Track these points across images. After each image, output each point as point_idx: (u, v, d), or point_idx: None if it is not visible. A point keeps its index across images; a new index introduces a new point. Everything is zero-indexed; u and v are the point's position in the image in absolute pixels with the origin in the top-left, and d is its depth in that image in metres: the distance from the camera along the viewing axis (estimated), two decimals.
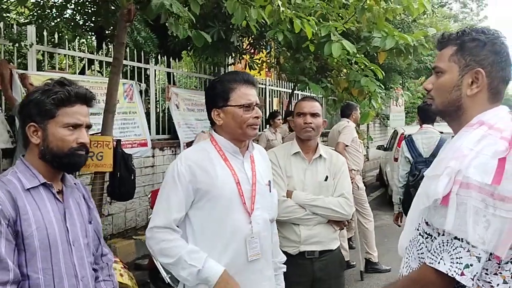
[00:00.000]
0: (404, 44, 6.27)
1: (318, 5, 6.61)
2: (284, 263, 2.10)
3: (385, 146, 10.61)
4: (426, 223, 1.33)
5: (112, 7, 5.75)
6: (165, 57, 6.86)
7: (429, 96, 1.44)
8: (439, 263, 1.22)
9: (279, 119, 7.47)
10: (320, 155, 2.50)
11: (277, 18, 4.15)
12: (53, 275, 1.46)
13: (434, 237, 1.28)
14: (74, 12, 6.51)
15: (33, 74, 4.52)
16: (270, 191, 1.98)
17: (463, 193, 1.19)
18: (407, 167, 4.24)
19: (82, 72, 6.25)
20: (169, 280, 3.98)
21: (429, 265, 1.25)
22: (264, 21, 5.24)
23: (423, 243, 1.34)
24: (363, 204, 5.43)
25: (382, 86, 7.65)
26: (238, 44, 6.81)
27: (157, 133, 6.76)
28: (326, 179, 2.45)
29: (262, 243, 1.85)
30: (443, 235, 1.24)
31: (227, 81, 1.88)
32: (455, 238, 1.20)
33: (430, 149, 4.12)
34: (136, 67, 6.20)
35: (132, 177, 4.36)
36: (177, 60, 7.28)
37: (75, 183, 1.66)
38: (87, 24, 6.66)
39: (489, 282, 1.22)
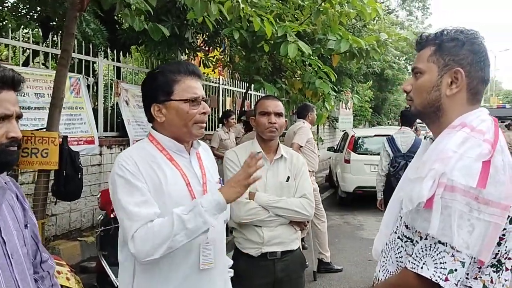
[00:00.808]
0: (357, 48, 6.39)
1: (274, 5, 6.60)
2: (246, 265, 2.02)
3: (335, 147, 10.79)
4: (406, 226, 1.29)
5: None
6: (114, 51, 6.58)
7: (408, 98, 1.41)
8: (422, 268, 1.19)
9: (233, 119, 7.39)
10: (281, 156, 2.45)
11: (236, 14, 4.06)
12: None
13: (416, 241, 1.25)
14: (17, 1, 6.12)
15: None
16: None
17: (448, 196, 1.16)
18: (388, 160, 5.02)
19: (25, 64, 5.86)
20: (118, 284, 3.81)
21: (411, 269, 1.21)
22: (220, 18, 5.15)
23: (402, 246, 1.31)
24: (317, 205, 5.45)
25: (336, 89, 7.77)
26: (192, 40, 6.67)
27: (105, 130, 6.46)
28: (287, 180, 2.40)
29: (216, 250, 1.69)
30: (426, 239, 1.20)
31: (170, 72, 1.65)
32: (439, 242, 1.17)
33: (407, 146, 4.93)
34: (84, 60, 5.88)
35: (79, 176, 4.14)
36: (127, 55, 7.00)
37: (5, 182, 1.41)
38: (31, 13, 6.28)
39: (470, 287, 1.21)
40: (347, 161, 8.85)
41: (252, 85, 8.39)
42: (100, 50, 6.19)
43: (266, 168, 2.40)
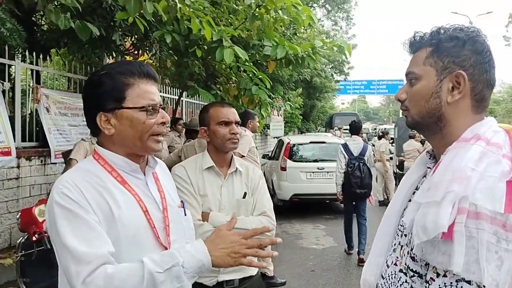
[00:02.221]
0: (293, 55, 6.35)
1: (207, 8, 6.39)
2: None
3: (269, 155, 10.74)
4: (412, 258, 1.10)
5: None
6: (33, 54, 5.98)
7: (403, 107, 1.21)
8: None
9: (180, 125, 7.20)
10: (236, 169, 2.21)
11: (173, 15, 3.78)
12: None
13: (431, 278, 1.04)
14: None
15: None
16: (185, 215, 1.54)
17: (472, 225, 0.97)
18: (344, 161, 6.20)
19: None
20: None
21: None
22: (152, 20, 4.84)
23: (406, 282, 1.11)
24: None
25: (272, 95, 7.69)
26: (120, 43, 6.25)
27: (23, 140, 5.84)
28: (244, 196, 2.17)
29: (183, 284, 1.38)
30: (445, 276, 1.00)
31: (119, 74, 1.35)
32: (463, 280, 0.98)
33: (358, 151, 6.23)
34: None
35: None
36: (47, 58, 6.41)
37: None
38: None
39: None
40: (283, 169, 8.81)
41: (186, 91, 8.09)
42: (17, 52, 5.58)
43: (220, 184, 2.15)
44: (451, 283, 0.99)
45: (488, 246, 0.95)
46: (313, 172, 8.88)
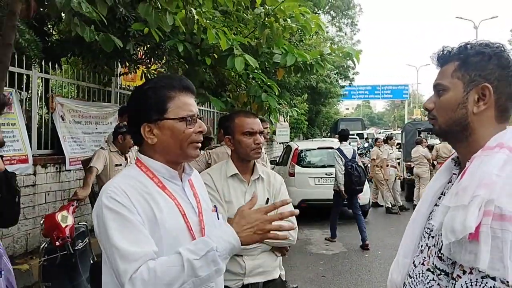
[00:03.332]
0: (302, 62, 6.46)
1: (216, 18, 6.51)
2: None
3: (277, 160, 10.81)
4: (440, 258, 1.20)
5: None
6: (44, 63, 6.12)
7: (430, 116, 1.32)
8: None
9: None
10: (259, 176, 2.31)
11: (191, 26, 3.90)
12: None
13: (458, 275, 1.14)
14: None
15: None
16: (218, 218, 1.66)
17: (497, 226, 1.07)
18: (342, 163, 7.30)
19: None
20: None
21: None
22: (164, 30, 4.96)
23: (433, 280, 1.21)
24: None
25: (281, 102, 7.81)
26: (133, 53, 6.38)
27: (39, 147, 5.97)
28: (267, 202, 2.26)
29: (218, 283, 1.53)
30: (471, 273, 1.11)
31: (162, 88, 1.47)
32: (488, 276, 1.08)
33: (350, 155, 7.40)
34: (16, 73, 5.40)
35: (17, 199, 3.73)
36: (57, 67, 6.55)
37: None
38: None
39: None
40: (292, 174, 8.89)
41: (196, 99, 8.20)
42: (34, 62, 5.73)
43: (244, 190, 2.25)
44: (476, 279, 1.09)
45: None
46: (321, 178, 8.96)
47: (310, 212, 8.30)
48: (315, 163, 9.21)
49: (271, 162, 11.16)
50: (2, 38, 3.30)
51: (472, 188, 1.12)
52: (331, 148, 9.77)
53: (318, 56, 6.69)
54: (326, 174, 8.93)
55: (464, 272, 1.13)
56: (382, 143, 11.38)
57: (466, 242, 1.10)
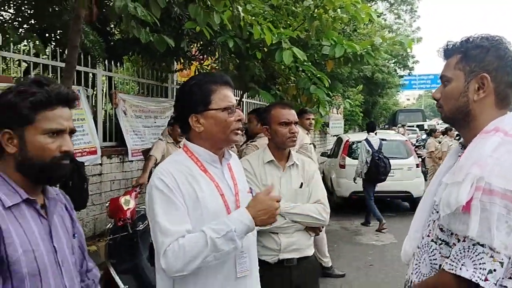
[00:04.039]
0: (352, 53, 6.48)
1: (266, 12, 6.70)
2: (262, 272, 2.04)
3: (328, 152, 10.87)
4: (441, 229, 1.36)
5: (58, 8, 5.48)
6: (107, 61, 6.61)
7: (438, 105, 1.48)
8: (460, 269, 1.24)
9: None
10: (294, 163, 2.50)
11: (237, 23, 4.13)
12: None
13: (453, 243, 1.30)
14: (15, 14, 6.14)
15: None
16: None
17: (486, 199, 1.21)
18: (369, 154, 7.69)
19: (25, 76, 5.87)
20: None
21: (449, 271, 1.26)
22: (218, 27, 5.23)
23: (436, 249, 1.37)
24: None
25: (331, 94, 7.89)
26: (187, 50, 6.73)
27: (104, 140, 6.49)
28: (301, 186, 2.46)
29: (250, 257, 1.75)
30: (464, 241, 1.26)
31: (205, 83, 1.71)
32: (478, 244, 1.22)
33: (377, 146, 7.85)
34: (83, 72, 5.91)
35: (85, 186, 4.16)
36: (118, 65, 7.04)
37: (56, 194, 1.48)
38: (26, 26, 6.30)
39: (505, 286, 1.25)
40: (342, 166, 8.94)
41: (246, 92, 8.46)
42: (99, 61, 6.22)
43: (279, 175, 2.46)
44: (468, 246, 1.25)
45: (498, 217, 1.20)
46: None
47: (361, 204, 8.33)
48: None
49: (323, 154, 11.23)
50: (69, 41, 3.70)
51: (467, 167, 1.27)
52: (384, 140, 9.72)
53: (369, 46, 6.69)
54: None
55: (459, 240, 1.28)
56: (441, 134, 11.08)
57: (460, 214, 1.25)
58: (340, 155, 9.17)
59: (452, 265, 1.26)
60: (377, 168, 7.56)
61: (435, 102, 1.50)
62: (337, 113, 16.92)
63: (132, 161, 6.71)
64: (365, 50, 6.49)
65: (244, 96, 9.60)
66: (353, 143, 9.31)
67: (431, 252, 1.39)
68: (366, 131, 8.58)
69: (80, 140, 5.50)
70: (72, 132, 1.39)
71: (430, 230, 1.42)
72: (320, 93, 6.78)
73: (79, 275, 1.50)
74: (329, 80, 7.05)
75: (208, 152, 1.73)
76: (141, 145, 6.81)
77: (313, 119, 5.97)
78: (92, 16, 3.25)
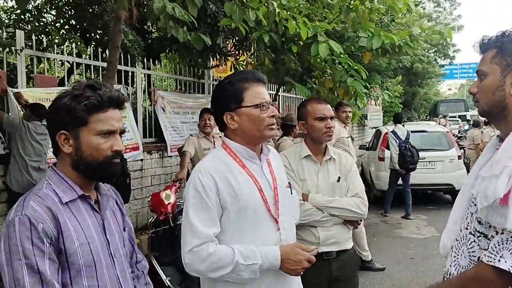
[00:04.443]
0: (389, 44, 6.37)
1: (302, 5, 6.66)
2: None
3: (367, 145, 10.72)
4: (479, 222, 1.36)
5: (98, 10, 5.67)
6: (146, 60, 6.78)
7: (474, 100, 1.48)
8: (499, 261, 1.25)
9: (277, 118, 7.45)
10: (331, 157, 2.51)
11: (272, 19, 4.15)
12: None
13: (492, 236, 1.30)
14: (56, 16, 6.39)
15: (26, 92, 4.81)
16: (291, 193, 1.92)
17: None
18: (397, 144, 8.00)
19: (68, 76, 6.13)
20: (169, 283, 3.97)
21: (487, 263, 1.27)
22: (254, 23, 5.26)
23: (474, 241, 1.38)
24: None
25: (368, 86, 7.78)
26: (223, 46, 6.80)
27: (144, 136, 6.68)
28: (338, 180, 2.46)
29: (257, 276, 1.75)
30: (502, 233, 1.27)
31: (238, 81, 1.75)
32: None
33: (403, 137, 8.09)
34: (123, 71, 6.10)
35: (128, 181, 4.33)
36: (156, 63, 7.20)
37: (108, 190, 1.58)
38: (67, 27, 6.55)
39: None
40: (381, 159, 8.80)
41: (282, 86, 8.46)
42: (138, 60, 6.40)
43: (317, 169, 2.47)
44: (507, 238, 1.25)
45: None
46: None
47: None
48: None
49: (361, 147, 11.08)
50: (110, 42, 3.83)
51: (504, 160, 1.27)
52: (424, 131, 9.51)
53: (407, 36, 6.55)
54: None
55: (497, 233, 1.28)
56: (483, 125, 10.73)
57: (498, 206, 1.25)
58: (379, 148, 9.02)
59: (491, 257, 1.27)
60: (404, 157, 7.87)
61: (472, 96, 1.50)
62: (375, 105, 16.62)
63: (171, 156, 6.88)
64: (403, 40, 6.35)
65: (280, 90, 9.60)
66: (392, 130, 9.14)
67: (470, 244, 1.39)
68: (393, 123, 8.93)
69: (123, 137, 5.68)
70: (122, 132, 1.48)
71: (468, 222, 1.42)
72: (357, 85, 6.69)
73: (129, 267, 1.59)
74: (366, 72, 6.95)
75: (246, 148, 1.77)
76: (180, 141, 6.95)
77: (349, 111, 5.90)
78: (132, 18, 3.35)
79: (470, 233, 1.39)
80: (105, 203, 1.51)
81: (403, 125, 8.64)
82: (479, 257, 1.34)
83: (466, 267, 1.39)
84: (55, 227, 1.32)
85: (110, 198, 1.56)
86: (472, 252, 1.38)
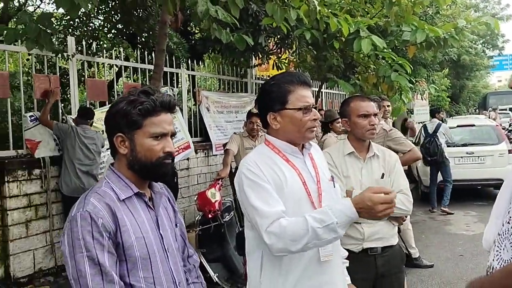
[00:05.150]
0: (434, 37, 6.22)
1: (343, 1, 6.62)
2: (347, 260, 2.09)
3: (413, 141, 10.48)
4: None
5: (144, 14, 5.87)
6: (190, 61, 6.95)
7: None
8: None
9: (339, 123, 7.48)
10: (374, 153, 2.52)
11: (313, 17, 4.17)
12: (154, 283, 1.48)
13: None
14: (104, 21, 6.67)
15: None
16: (334, 186, 1.93)
17: None
18: (423, 138, 8.27)
19: (117, 79, 6.38)
20: (217, 279, 4.09)
21: None
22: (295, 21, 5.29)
23: None
24: None
25: (413, 80, 7.63)
26: (265, 45, 6.87)
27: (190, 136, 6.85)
28: (382, 177, 2.46)
29: (334, 242, 1.78)
30: None
31: (283, 83, 1.78)
32: None
33: (431, 130, 8.20)
34: (168, 73, 6.29)
35: (175, 180, 4.46)
36: (200, 63, 7.36)
37: (160, 188, 1.67)
38: (115, 32, 6.82)
39: None
40: None
41: (325, 83, 8.43)
42: (182, 61, 6.58)
43: (360, 166, 2.48)
44: None
45: None
46: (461, 157, 8.52)
47: (451, 193, 7.97)
48: (455, 141, 8.75)
49: None
50: (157, 45, 3.99)
51: None
52: (473, 125, 9.20)
53: (452, 29, 6.38)
54: (467, 153, 8.46)
55: None
56: None
57: None
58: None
59: None
60: (424, 150, 7.95)
61: None
62: (422, 99, 16.15)
63: (216, 155, 7.02)
64: (448, 33, 6.17)
65: (323, 87, 9.57)
66: (436, 128, 8.90)
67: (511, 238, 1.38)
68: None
69: (176, 139, 5.87)
70: (173, 134, 1.57)
71: (510, 216, 1.40)
72: (402, 80, 6.58)
73: (181, 260, 1.68)
74: (411, 66, 6.82)
75: (288, 144, 1.82)
76: (224, 140, 7.08)
77: (388, 106, 5.78)
78: (178, 21, 3.47)
79: None
80: (158, 200, 1.60)
81: (443, 120, 8.63)
82: None
83: (509, 261, 1.37)
84: (113, 222, 1.42)
85: (163, 195, 1.65)
86: None
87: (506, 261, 1.39)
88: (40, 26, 3.08)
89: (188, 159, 6.41)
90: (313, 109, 1.79)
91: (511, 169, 1.77)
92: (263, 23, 5.45)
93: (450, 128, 9.13)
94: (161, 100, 1.51)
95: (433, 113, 8.81)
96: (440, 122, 8.50)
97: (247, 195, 1.71)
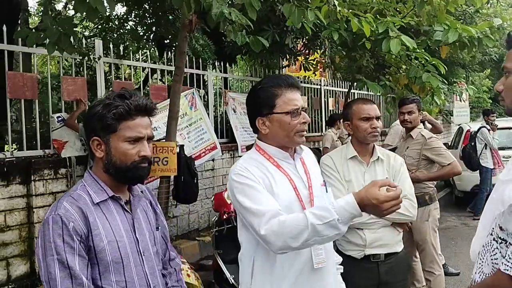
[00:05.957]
0: (467, 37, 6.00)
1: (374, 1, 6.48)
2: (349, 267, 2.04)
3: (449, 144, 10.15)
4: (500, 228, 1.27)
5: (171, 17, 5.97)
6: (221, 62, 7.00)
7: (500, 98, 1.39)
8: None
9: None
10: (378, 157, 2.45)
11: (333, 18, 4.11)
12: (126, 287, 1.49)
13: (509, 243, 1.22)
14: (136, 24, 6.83)
15: None
16: (326, 191, 1.88)
17: None
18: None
19: (145, 81, 6.52)
20: (233, 281, 4.08)
21: (504, 271, 1.20)
22: (318, 22, 5.22)
23: (497, 248, 1.29)
24: None
25: (446, 81, 7.39)
26: (292, 46, 6.83)
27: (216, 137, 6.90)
28: None
29: (326, 248, 1.77)
30: None
31: (270, 87, 1.75)
32: None
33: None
34: (194, 74, 6.37)
35: (195, 181, 4.51)
36: (232, 65, 7.40)
37: (141, 191, 1.67)
38: (147, 35, 6.98)
39: None
40: (463, 158, 8.29)
41: (355, 84, 8.29)
42: (208, 63, 6.64)
43: (363, 170, 2.42)
44: None
45: None
46: None
47: (486, 199, 7.66)
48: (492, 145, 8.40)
49: (444, 145, 10.46)
50: (178, 48, 4.04)
51: None
52: (511, 128, 8.81)
53: (487, 28, 6.13)
54: (503, 157, 8.11)
55: None
56: None
57: None
58: (461, 146, 8.51)
59: (508, 265, 1.18)
60: (463, 154, 7.89)
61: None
62: (461, 101, 15.61)
63: (241, 156, 7.03)
64: (483, 32, 5.93)
65: (352, 88, 9.42)
66: (475, 132, 8.58)
67: (493, 251, 1.30)
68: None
69: (201, 140, 5.93)
70: (150, 138, 1.56)
71: (493, 228, 1.33)
72: (433, 81, 6.38)
73: (161, 264, 1.67)
74: (445, 67, 6.60)
75: (278, 150, 1.79)
76: (250, 141, 7.10)
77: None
78: (191, 25, 3.51)
79: (494, 239, 1.30)
80: (136, 203, 1.61)
81: (489, 123, 8.22)
82: None
83: (489, 275, 1.30)
84: (85, 225, 1.44)
85: (143, 198, 1.66)
86: (495, 259, 1.28)
87: (487, 275, 1.32)
88: (60, 30, 3.19)
89: (213, 160, 6.46)
90: (302, 112, 1.75)
91: (500, 177, 1.68)
92: (288, 24, 5.41)
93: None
94: (136, 103, 1.51)
95: (483, 115, 8.62)
96: (481, 125, 8.11)
97: (239, 199, 1.69)
